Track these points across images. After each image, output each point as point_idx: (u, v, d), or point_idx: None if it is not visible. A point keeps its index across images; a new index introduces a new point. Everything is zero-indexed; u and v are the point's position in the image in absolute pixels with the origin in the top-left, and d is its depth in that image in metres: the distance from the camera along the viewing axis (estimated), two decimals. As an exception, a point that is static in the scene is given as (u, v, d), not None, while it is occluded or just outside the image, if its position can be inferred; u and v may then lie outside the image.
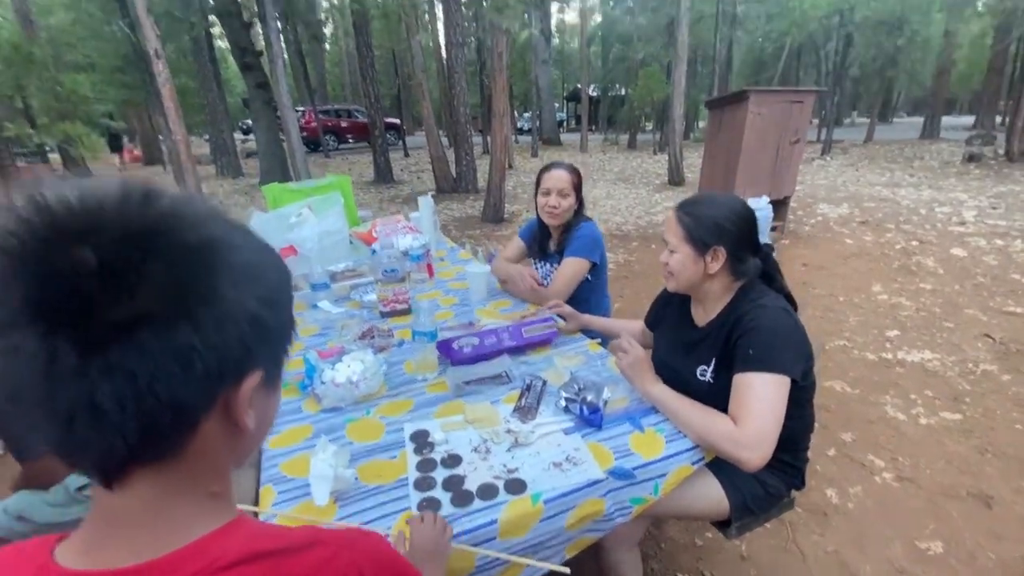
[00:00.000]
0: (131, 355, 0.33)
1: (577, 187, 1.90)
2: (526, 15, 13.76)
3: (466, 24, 11.39)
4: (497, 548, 0.90)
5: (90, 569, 0.38)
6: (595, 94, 24.04)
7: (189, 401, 0.37)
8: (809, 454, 1.33)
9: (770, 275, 1.26)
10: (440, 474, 1.01)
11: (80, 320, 0.33)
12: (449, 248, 2.70)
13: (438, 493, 0.96)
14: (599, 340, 1.58)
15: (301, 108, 18.08)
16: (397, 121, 18.59)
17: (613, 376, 1.34)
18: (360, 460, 1.06)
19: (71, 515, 1.37)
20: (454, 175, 9.40)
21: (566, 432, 1.13)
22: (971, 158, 10.40)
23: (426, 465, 1.04)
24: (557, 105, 27.18)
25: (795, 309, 1.27)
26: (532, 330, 1.53)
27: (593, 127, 25.55)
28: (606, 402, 1.18)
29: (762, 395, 1.05)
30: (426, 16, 13.83)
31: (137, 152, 18.49)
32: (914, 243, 5.20)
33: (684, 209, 1.21)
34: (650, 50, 15.81)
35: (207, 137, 15.41)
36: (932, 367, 2.91)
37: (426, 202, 2.54)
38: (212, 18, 10.88)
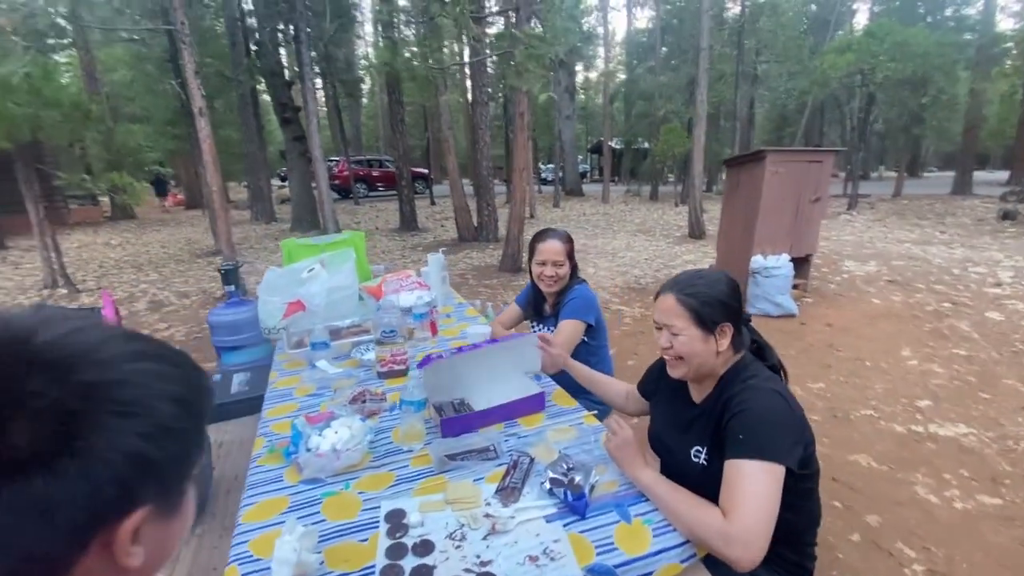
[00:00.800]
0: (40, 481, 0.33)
1: (570, 254, 1.94)
2: (551, 74, 14.37)
3: (492, 82, 11.94)
4: (460, 653, 0.84)
5: None
6: (618, 147, 24.61)
7: (54, 552, 0.35)
8: (831, 539, 1.23)
9: (760, 345, 1.24)
10: (409, 563, 0.96)
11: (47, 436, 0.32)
12: (457, 304, 2.71)
13: (405, 585, 0.92)
14: (595, 412, 1.52)
15: (335, 158, 19.01)
16: (425, 171, 19.31)
17: (605, 456, 1.28)
18: (331, 541, 1.02)
19: None
20: (475, 225, 9.59)
21: (548, 519, 1.07)
22: (1006, 215, 10.11)
23: (396, 551, 0.99)
24: (581, 157, 27.90)
25: (786, 379, 1.22)
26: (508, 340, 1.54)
27: (616, 179, 26.02)
28: (593, 487, 1.13)
29: (753, 485, 0.98)
30: (457, 75, 14.57)
31: (180, 197, 19.56)
32: (946, 305, 4.99)
33: (683, 291, 1.17)
34: (671, 107, 16.21)
35: (246, 184, 16.24)
36: (968, 443, 2.71)
37: (435, 259, 2.58)
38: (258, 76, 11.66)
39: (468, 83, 14.83)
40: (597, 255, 8.40)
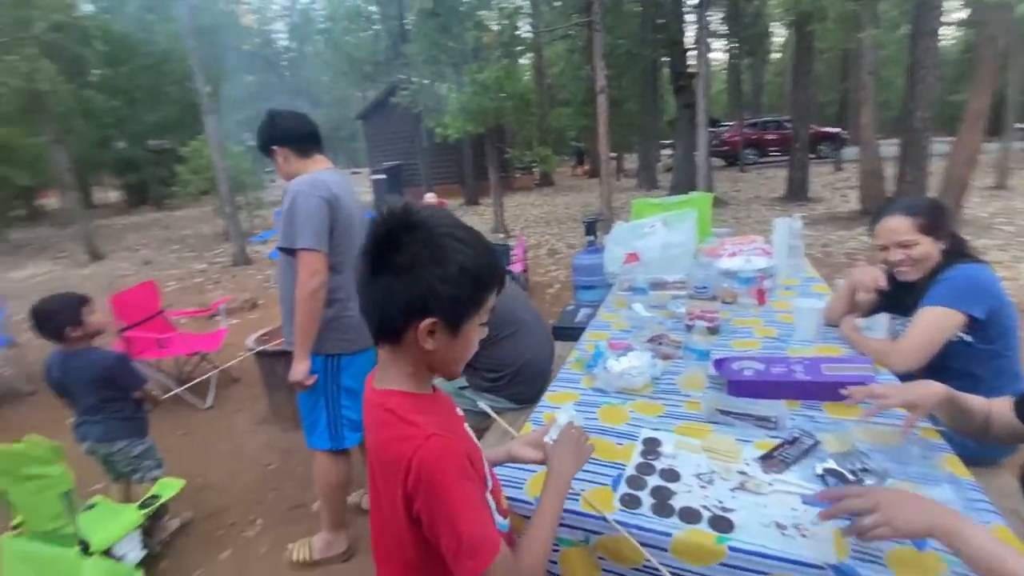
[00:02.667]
0: (379, 284, 0.67)
1: (930, 227, 1.42)
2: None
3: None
4: (668, 561, 0.91)
5: (372, 385, 0.75)
6: None
7: (394, 318, 0.68)
8: None
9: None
10: (653, 481, 1.07)
11: (374, 261, 0.67)
12: (805, 277, 2.38)
13: (643, 495, 1.03)
14: (942, 428, 1.15)
15: (728, 123, 18.32)
16: (837, 130, 16.28)
17: (925, 477, 1.00)
18: (594, 435, 1.23)
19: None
20: (889, 194, 7.60)
21: (805, 501, 0.96)
22: None
23: (645, 468, 1.11)
24: None
25: None
26: (837, 369, 1.29)
27: None
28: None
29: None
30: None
31: (587, 167, 23.17)
32: None
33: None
34: None
35: (638, 153, 17.77)
36: None
37: (783, 224, 2.33)
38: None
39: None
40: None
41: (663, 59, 12.97)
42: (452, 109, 7.19)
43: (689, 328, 1.82)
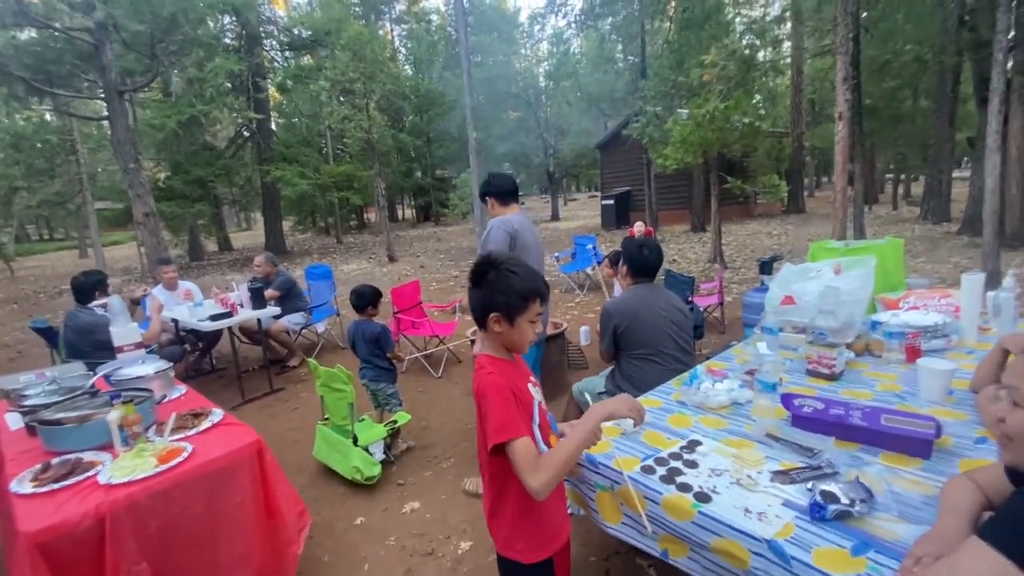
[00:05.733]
0: (473, 294, 1.27)
1: None
2: None
3: None
4: (658, 512, 1.27)
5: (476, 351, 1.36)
6: None
7: (478, 312, 1.26)
8: None
9: None
10: (675, 464, 1.41)
11: (471, 281, 1.28)
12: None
13: (661, 469, 1.39)
14: None
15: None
16: None
17: (920, 521, 1.10)
18: (655, 430, 1.60)
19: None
20: None
21: (785, 504, 1.19)
22: None
23: (675, 456, 1.46)
24: None
25: None
26: (895, 421, 1.36)
27: None
28: (852, 515, 1.10)
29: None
30: None
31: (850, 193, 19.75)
32: None
33: None
34: None
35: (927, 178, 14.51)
36: None
37: (972, 280, 2.08)
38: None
39: None
40: None
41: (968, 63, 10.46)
42: (674, 141, 7.46)
43: (808, 372, 1.93)
